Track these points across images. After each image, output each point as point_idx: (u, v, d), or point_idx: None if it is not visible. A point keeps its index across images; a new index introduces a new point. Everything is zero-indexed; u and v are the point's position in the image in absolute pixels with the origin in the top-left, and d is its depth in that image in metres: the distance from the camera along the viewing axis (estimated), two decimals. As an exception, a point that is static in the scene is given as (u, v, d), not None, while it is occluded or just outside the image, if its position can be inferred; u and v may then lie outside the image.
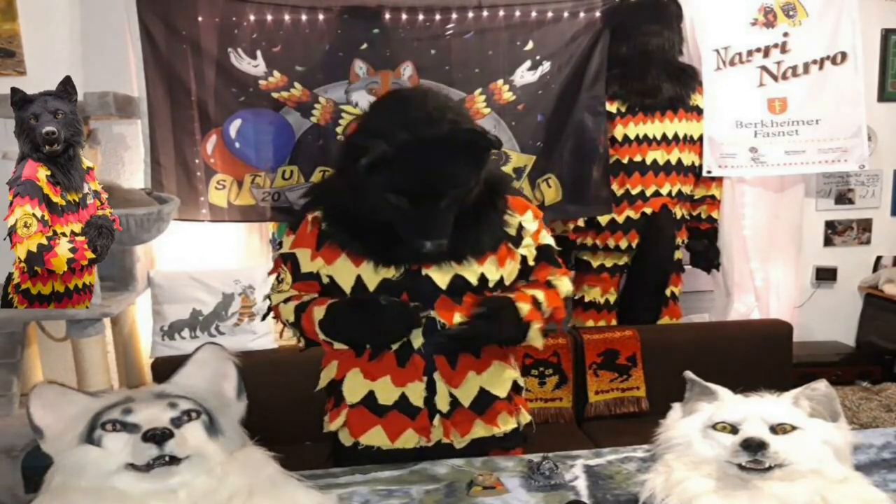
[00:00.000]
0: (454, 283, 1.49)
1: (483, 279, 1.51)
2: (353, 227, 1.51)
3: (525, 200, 1.64)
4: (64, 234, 2.19)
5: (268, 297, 1.66)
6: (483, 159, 1.46)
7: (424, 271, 1.48)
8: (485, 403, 1.55)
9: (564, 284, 1.62)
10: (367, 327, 1.47)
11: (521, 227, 1.58)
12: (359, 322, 1.47)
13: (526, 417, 1.67)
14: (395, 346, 1.50)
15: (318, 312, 1.49)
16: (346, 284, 1.50)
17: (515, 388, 1.63)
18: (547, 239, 1.64)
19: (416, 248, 1.43)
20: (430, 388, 1.51)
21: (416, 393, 1.51)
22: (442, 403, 1.51)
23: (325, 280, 1.54)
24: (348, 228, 1.52)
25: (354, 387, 1.54)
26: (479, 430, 1.56)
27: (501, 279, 1.54)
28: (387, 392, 1.51)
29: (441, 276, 1.49)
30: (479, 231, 1.51)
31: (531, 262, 1.60)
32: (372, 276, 1.48)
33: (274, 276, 1.65)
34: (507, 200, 1.59)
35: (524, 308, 1.50)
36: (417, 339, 1.49)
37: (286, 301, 1.57)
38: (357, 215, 1.50)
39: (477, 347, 1.53)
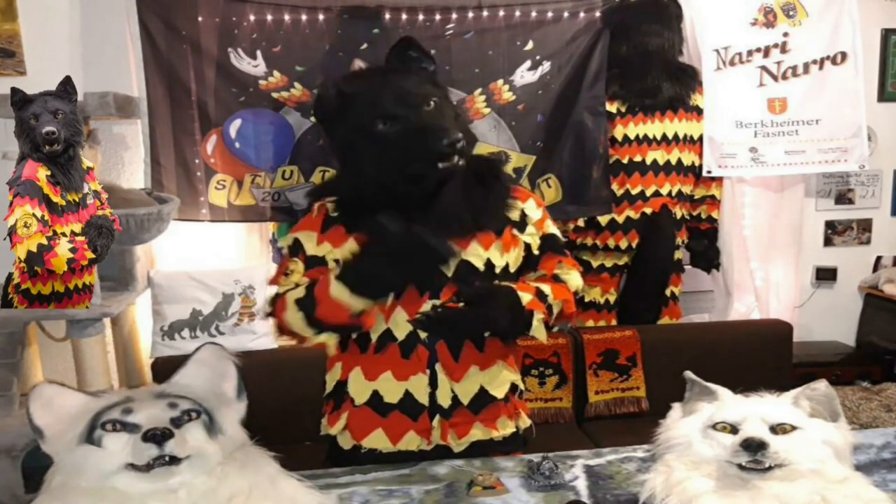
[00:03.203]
0: (460, 269, 1.48)
1: (489, 264, 1.50)
2: (361, 212, 1.49)
3: (527, 191, 1.65)
4: (64, 234, 2.19)
5: (272, 297, 1.57)
6: (432, 77, 1.56)
7: None
8: (482, 403, 1.55)
9: (574, 278, 1.60)
10: (395, 260, 1.36)
11: (523, 214, 1.57)
12: (386, 258, 1.36)
13: (526, 422, 1.66)
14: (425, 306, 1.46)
15: (335, 272, 1.41)
16: None
17: (514, 390, 1.62)
18: (552, 228, 1.62)
19: (432, 154, 1.38)
20: (433, 383, 1.51)
21: (419, 388, 1.50)
22: (443, 398, 1.51)
23: (332, 266, 1.50)
24: (355, 214, 1.50)
25: (359, 387, 1.54)
26: (478, 432, 1.55)
27: (507, 266, 1.53)
28: (391, 389, 1.51)
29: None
30: (491, 202, 1.53)
31: (535, 251, 1.58)
32: None
33: (276, 283, 1.58)
34: (510, 187, 1.59)
35: (525, 297, 1.47)
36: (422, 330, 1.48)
37: (296, 286, 1.50)
38: (364, 201, 1.49)
39: (462, 333, 1.49)
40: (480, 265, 1.50)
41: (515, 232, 1.56)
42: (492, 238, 1.52)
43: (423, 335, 1.48)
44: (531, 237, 1.58)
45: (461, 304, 1.45)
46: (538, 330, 1.50)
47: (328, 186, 1.68)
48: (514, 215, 1.57)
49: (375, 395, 1.52)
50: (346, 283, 1.38)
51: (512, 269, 1.55)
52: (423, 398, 1.51)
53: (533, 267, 1.59)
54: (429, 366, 1.50)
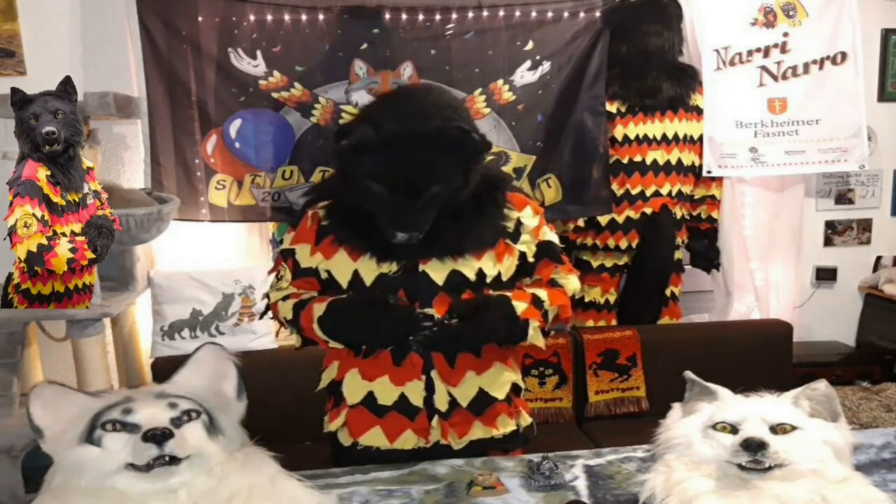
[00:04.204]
0: (451, 279, 1.48)
1: (480, 275, 1.50)
2: (353, 223, 1.51)
3: (525, 197, 1.64)
4: (64, 234, 2.19)
5: (266, 295, 1.66)
6: (471, 161, 1.45)
7: (421, 267, 1.48)
8: (483, 404, 1.55)
9: (571, 282, 1.61)
10: (367, 327, 1.46)
11: (519, 223, 1.57)
12: (359, 321, 1.46)
13: (526, 420, 1.66)
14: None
15: (318, 309, 1.49)
16: (344, 279, 1.50)
17: (515, 390, 1.62)
18: (549, 235, 1.62)
19: (387, 238, 1.44)
20: (429, 388, 1.51)
21: (415, 392, 1.50)
22: (441, 403, 1.51)
23: (324, 276, 1.54)
24: (347, 224, 1.52)
25: (354, 387, 1.54)
26: (478, 431, 1.55)
27: (499, 275, 1.53)
28: (386, 392, 1.51)
29: (438, 273, 1.48)
30: (480, 226, 1.51)
31: (531, 259, 1.58)
32: (369, 271, 1.48)
33: (273, 274, 1.64)
34: (507, 196, 1.58)
35: (520, 306, 1.49)
36: None
37: (285, 299, 1.57)
38: (355, 210, 1.50)
39: (459, 349, 1.51)
40: (472, 275, 1.49)
41: (509, 242, 1.55)
42: (485, 249, 1.52)
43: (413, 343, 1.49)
44: (526, 245, 1.57)
45: (454, 320, 1.46)
46: (535, 338, 1.52)
47: (324, 188, 1.69)
48: (510, 226, 1.56)
49: (370, 396, 1.53)
50: (323, 329, 1.49)
51: (504, 278, 1.55)
52: (419, 402, 1.51)
53: (529, 273, 1.60)
54: (424, 372, 1.50)
